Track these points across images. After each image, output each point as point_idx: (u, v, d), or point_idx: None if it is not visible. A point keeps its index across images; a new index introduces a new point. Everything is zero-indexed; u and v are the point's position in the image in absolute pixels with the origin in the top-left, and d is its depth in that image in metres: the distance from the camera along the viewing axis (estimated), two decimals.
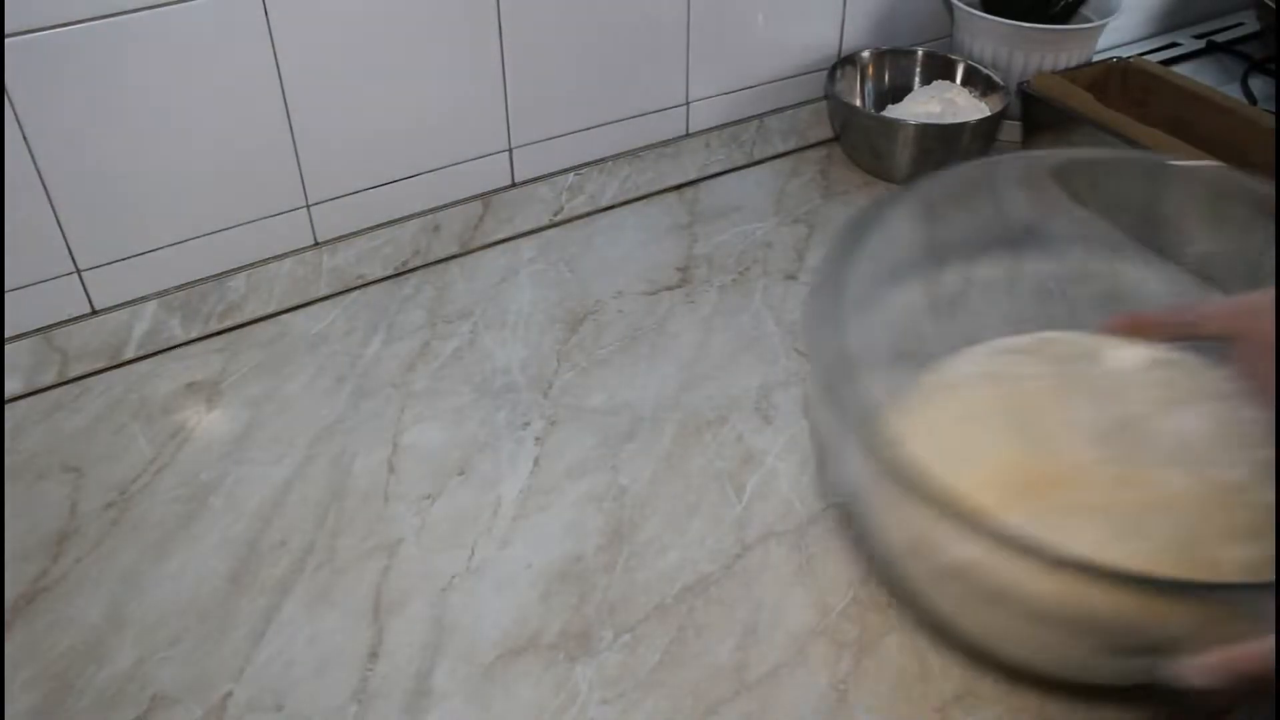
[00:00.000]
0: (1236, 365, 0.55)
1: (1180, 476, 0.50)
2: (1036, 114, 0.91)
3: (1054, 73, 0.92)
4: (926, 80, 0.97)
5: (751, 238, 0.85)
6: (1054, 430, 0.52)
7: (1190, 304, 0.58)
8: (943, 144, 0.88)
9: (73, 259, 0.69)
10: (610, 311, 0.78)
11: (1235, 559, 0.46)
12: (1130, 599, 0.41)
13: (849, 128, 0.94)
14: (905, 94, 0.96)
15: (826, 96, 0.94)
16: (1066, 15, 0.96)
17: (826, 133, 0.98)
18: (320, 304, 0.79)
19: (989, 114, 0.90)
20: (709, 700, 0.52)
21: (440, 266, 0.82)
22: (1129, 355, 0.57)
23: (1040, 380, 0.56)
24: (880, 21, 0.97)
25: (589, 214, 0.88)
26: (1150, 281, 0.66)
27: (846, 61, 0.95)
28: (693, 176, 0.93)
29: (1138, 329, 0.58)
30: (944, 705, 0.52)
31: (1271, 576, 0.43)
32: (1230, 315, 0.56)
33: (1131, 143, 0.83)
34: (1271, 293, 0.54)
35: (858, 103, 0.96)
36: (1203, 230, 0.62)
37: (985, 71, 0.94)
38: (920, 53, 0.97)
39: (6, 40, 0.60)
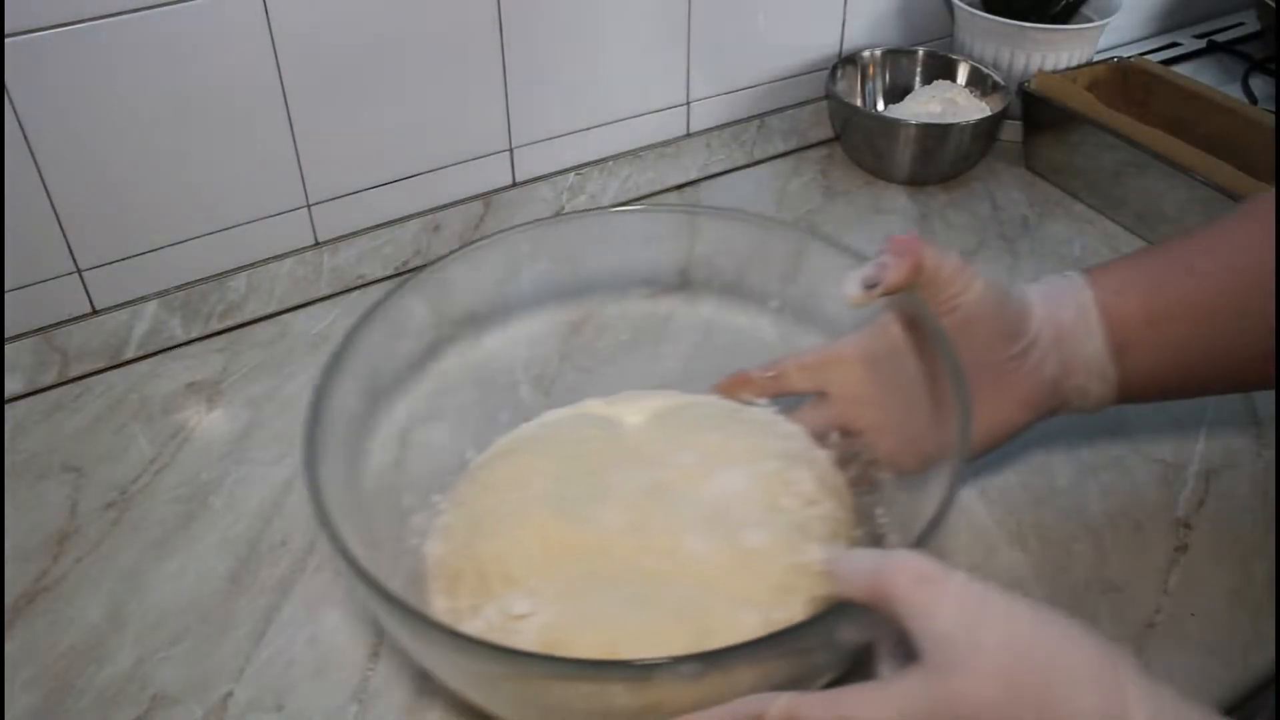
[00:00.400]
0: (827, 417, 0.57)
1: (704, 542, 0.50)
2: (1037, 114, 0.91)
3: (1055, 72, 0.92)
4: (927, 80, 0.97)
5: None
6: (592, 496, 0.53)
7: (779, 361, 0.59)
8: (943, 144, 0.88)
9: (73, 259, 0.69)
10: (611, 311, 0.77)
11: (753, 624, 0.46)
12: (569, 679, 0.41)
13: (850, 127, 0.94)
14: (906, 94, 0.96)
15: (827, 96, 0.94)
16: (1067, 15, 0.96)
17: (827, 133, 0.98)
18: (321, 304, 0.78)
19: (990, 114, 0.90)
20: None
21: None
22: (636, 418, 0.60)
23: (589, 445, 0.57)
24: (881, 21, 0.97)
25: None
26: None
27: (847, 61, 0.95)
28: (693, 176, 0.93)
29: (739, 388, 0.60)
30: None
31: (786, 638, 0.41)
32: (813, 370, 0.58)
33: (1132, 143, 0.83)
34: (851, 341, 0.56)
35: (859, 102, 0.96)
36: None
37: (986, 71, 0.94)
38: (921, 52, 0.97)
39: (6, 40, 0.60)
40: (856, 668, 0.50)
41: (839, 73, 0.94)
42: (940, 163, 0.90)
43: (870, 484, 0.56)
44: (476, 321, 0.60)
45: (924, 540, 0.42)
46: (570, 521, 0.51)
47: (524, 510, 0.52)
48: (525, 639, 0.46)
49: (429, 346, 0.58)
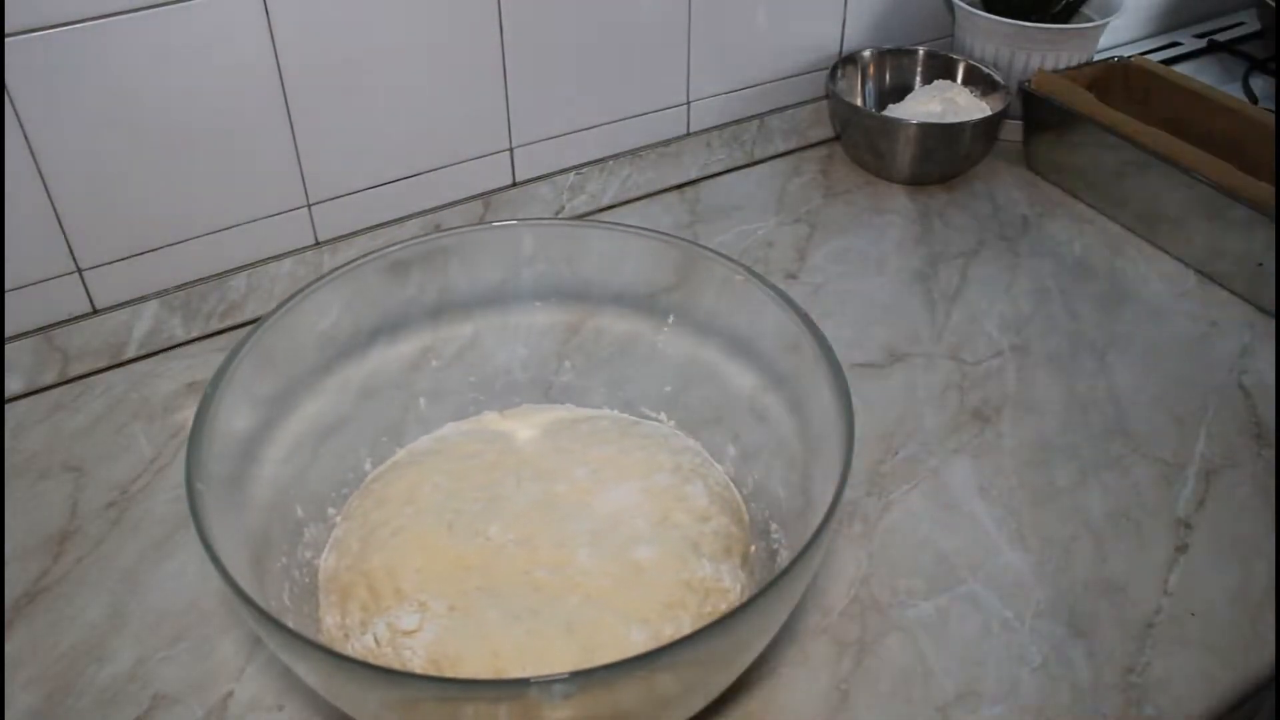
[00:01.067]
0: None
1: (595, 557, 0.50)
2: (1038, 113, 0.91)
3: (1055, 72, 0.92)
4: (927, 80, 0.97)
5: (753, 237, 0.85)
6: (484, 510, 0.53)
7: None
8: (944, 143, 0.88)
9: (73, 258, 0.69)
10: (611, 311, 0.77)
11: (641, 640, 0.46)
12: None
13: (850, 127, 0.94)
14: (906, 93, 0.96)
15: (828, 96, 0.94)
16: (1068, 15, 0.96)
17: (827, 132, 0.98)
18: None
19: (990, 113, 0.90)
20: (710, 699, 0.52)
21: None
22: (530, 431, 0.60)
23: (482, 459, 0.57)
24: (881, 21, 0.97)
25: (590, 213, 0.88)
26: None
27: (848, 61, 0.95)
28: (694, 176, 0.93)
29: None
30: (945, 705, 0.52)
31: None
32: None
33: (1132, 142, 0.83)
34: None
35: (859, 102, 0.96)
36: None
37: (986, 71, 0.94)
38: (921, 52, 0.97)
39: (6, 40, 0.60)
40: (742, 683, 0.51)
41: (839, 72, 0.94)
42: (940, 162, 0.90)
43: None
44: (376, 334, 0.59)
45: (808, 553, 0.41)
46: (460, 536, 0.51)
47: (415, 524, 0.52)
48: (413, 655, 0.46)
49: (329, 359, 0.57)
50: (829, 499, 0.43)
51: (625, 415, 0.62)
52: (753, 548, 0.54)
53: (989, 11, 0.94)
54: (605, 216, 0.88)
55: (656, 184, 0.91)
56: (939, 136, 0.88)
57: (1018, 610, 0.56)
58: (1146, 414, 0.69)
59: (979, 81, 0.94)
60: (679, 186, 0.92)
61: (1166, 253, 0.83)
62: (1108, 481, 0.64)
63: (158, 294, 0.72)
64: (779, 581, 0.40)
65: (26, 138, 0.63)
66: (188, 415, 0.69)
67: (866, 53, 0.96)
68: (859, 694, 0.52)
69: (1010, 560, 0.59)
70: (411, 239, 0.58)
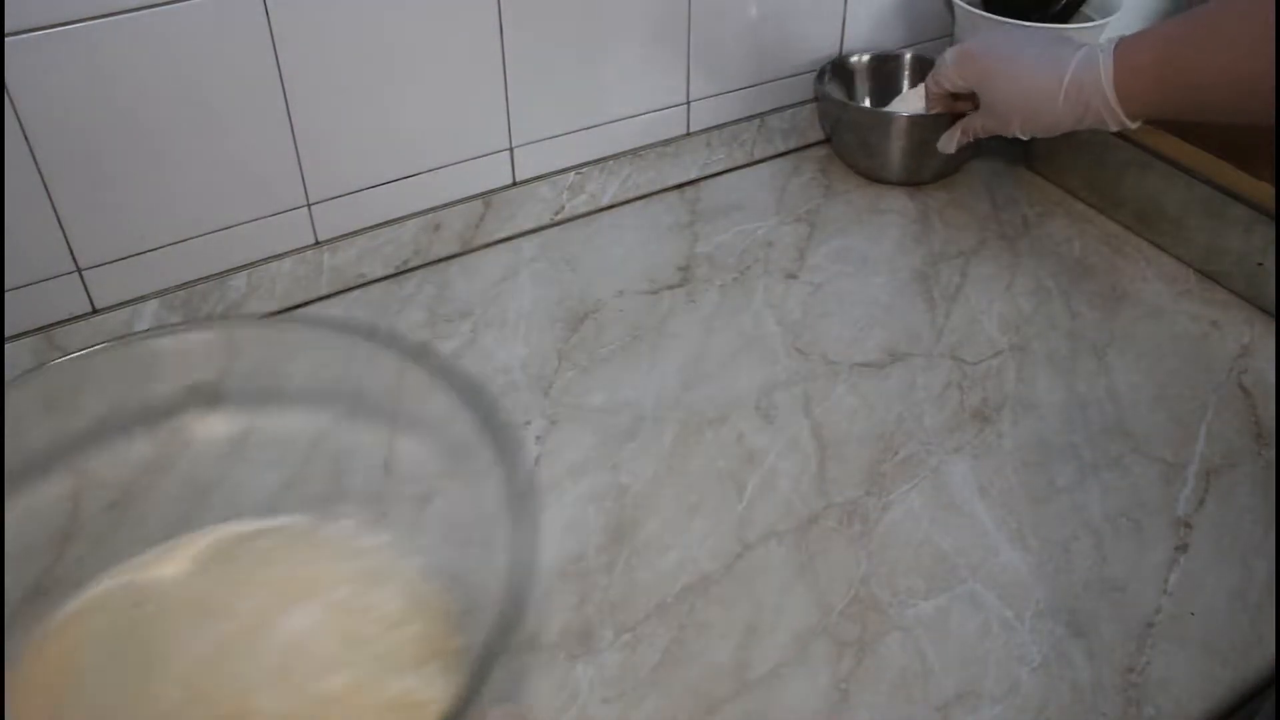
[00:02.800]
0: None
1: (277, 699, 0.46)
2: None
3: None
4: (915, 82, 0.96)
5: (752, 237, 0.85)
6: (147, 670, 0.48)
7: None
8: (937, 136, 0.88)
9: (73, 258, 0.69)
10: (611, 311, 0.78)
11: None
12: None
13: (840, 127, 0.93)
14: (894, 96, 0.96)
15: (817, 99, 0.94)
16: (1067, 14, 0.96)
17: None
18: (321, 303, 0.78)
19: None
20: (710, 699, 0.52)
21: (441, 265, 0.82)
22: (186, 566, 0.52)
23: (140, 611, 0.51)
24: (881, 21, 0.97)
25: (590, 213, 0.88)
26: None
27: (836, 66, 0.95)
28: (694, 176, 0.93)
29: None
30: (945, 704, 0.52)
31: None
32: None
33: (1132, 142, 0.83)
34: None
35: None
36: None
37: None
38: (908, 56, 0.97)
39: (6, 40, 0.60)
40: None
41: (827, 76, 0.94)
42: (933, 156, 0.90)
43: None
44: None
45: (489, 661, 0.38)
46: (125, 705, 0.46)
47: (76, 702, 0.47)
48: None
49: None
50: (528, 580, 0.40)
51: (301, 520, 0.55)
52: (457, 642, 0.49)
53: (989, 11, 0.94)
54: (605, 216, 0.88)
55: (656, 184, 0.91)
56: (932, 128, 0.88)
57: (1018, 610, 0.56)
58: (1146, 414, 0.69)
59: None
60: (679, 186, 0.92)
61: (1166, 252, 0.83)
62: (1108, 481, 0.64)
63: (158, 294, 0.72)
64: (475, 689, 0.37)
65: (26, 138, 0.63)
66: (188, 415, 0.69)
67: (854, 58, 0.96)
68: (859, 694, 0.52)
69: (1010, 560, 0.59)
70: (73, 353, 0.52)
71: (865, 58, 0.97)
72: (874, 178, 0.93)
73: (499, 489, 0.46)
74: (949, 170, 0.92)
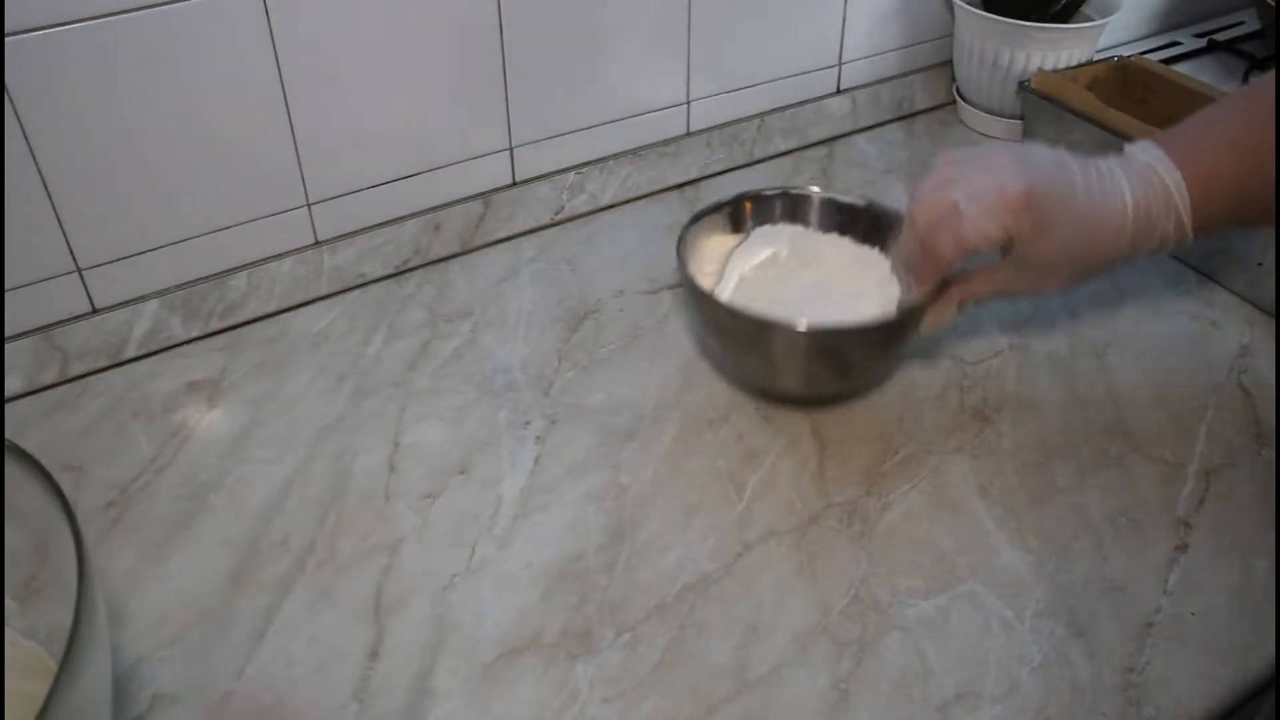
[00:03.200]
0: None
1: None
2: (1037, 112, 0.91)
3: (1055, 72, 0.92)
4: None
5: None
6: None
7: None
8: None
9: (73, 258, 0.69)
10: (611, 310, 0.78)
11: None
12: None
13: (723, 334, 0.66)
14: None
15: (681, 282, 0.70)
16: (1067, 14, 0.96)
17: (827, 132, 0.98)
18: (321, 303, 0.79)
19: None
20: (710, 699, 0.52)
21: (441, 265, 0.82)
22: None
23: None
24: (881, 20, 0.97)
25: (590, 213, 0.88)
26: None
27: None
28: (693, 176, 0.93)
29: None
30: (945, 704, 0.52)
31: None
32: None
33: (1132, 141, 0.82)
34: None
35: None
36: None
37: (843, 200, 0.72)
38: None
39: (6, 40, 0.60)
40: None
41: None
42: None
43: None
44: None
45: None
46: None
47: None
48: None
49: None
50: None
51: None
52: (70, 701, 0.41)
53: (989, 11, 0.94)
54: (605, 216, 0.88)
55: (656, 183, 0.91)
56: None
57: (1018, 610, 0.56)
58: (1146, 414, 0.69)
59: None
60: (679, 186, 0.92)
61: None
62: (1108, 481, 0.64)
63: (157, 293, 0.72)
64: None
65: (26, 138, 0.63)
66: (188, 415, 0.69)
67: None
68: (859, 694, 0.52)
69: (1010, 560, 0.59)
70: None
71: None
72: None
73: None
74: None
